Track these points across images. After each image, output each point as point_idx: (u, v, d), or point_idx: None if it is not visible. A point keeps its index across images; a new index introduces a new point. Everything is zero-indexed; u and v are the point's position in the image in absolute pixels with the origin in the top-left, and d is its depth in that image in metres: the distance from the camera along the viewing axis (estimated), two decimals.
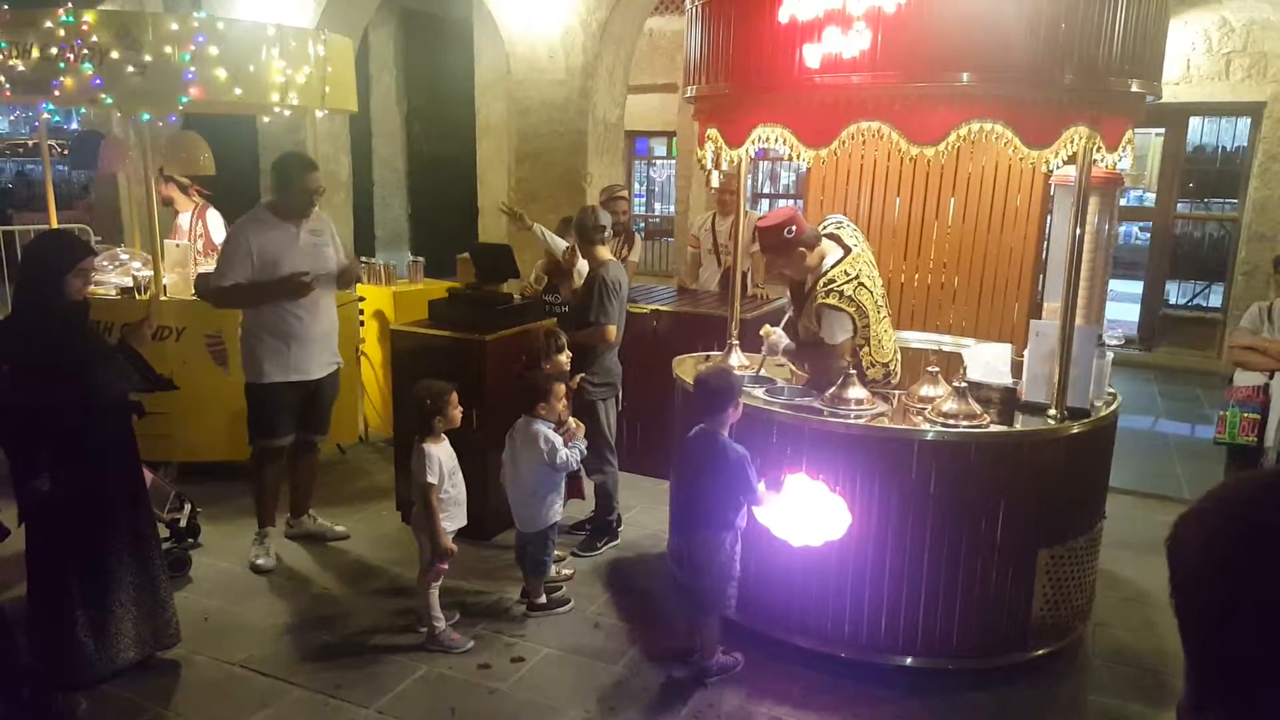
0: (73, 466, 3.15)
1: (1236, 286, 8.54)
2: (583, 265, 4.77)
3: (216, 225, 6.03)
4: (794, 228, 3.55)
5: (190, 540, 4.35)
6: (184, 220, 6.06)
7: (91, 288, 3.90)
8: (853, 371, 3.52)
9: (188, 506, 4.39)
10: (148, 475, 3.96)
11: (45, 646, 3.19)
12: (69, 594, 3.16)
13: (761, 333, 3.90)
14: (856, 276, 3.55)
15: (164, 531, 4.13)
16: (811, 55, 3.15)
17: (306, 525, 4.55)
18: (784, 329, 3.88)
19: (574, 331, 4.37)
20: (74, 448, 3.15)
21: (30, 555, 3.22)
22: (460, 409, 3.69)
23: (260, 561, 4.29)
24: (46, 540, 3.18)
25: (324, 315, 4.31)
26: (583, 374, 4.32)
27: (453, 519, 3.65)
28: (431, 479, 3.52)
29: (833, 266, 3.58)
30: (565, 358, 4.04)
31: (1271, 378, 4.28)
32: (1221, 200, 9.93)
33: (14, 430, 3.18)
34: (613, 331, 4.44)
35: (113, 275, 5.58)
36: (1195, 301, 10.03)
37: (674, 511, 3.46)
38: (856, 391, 3.42)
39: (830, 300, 3.51)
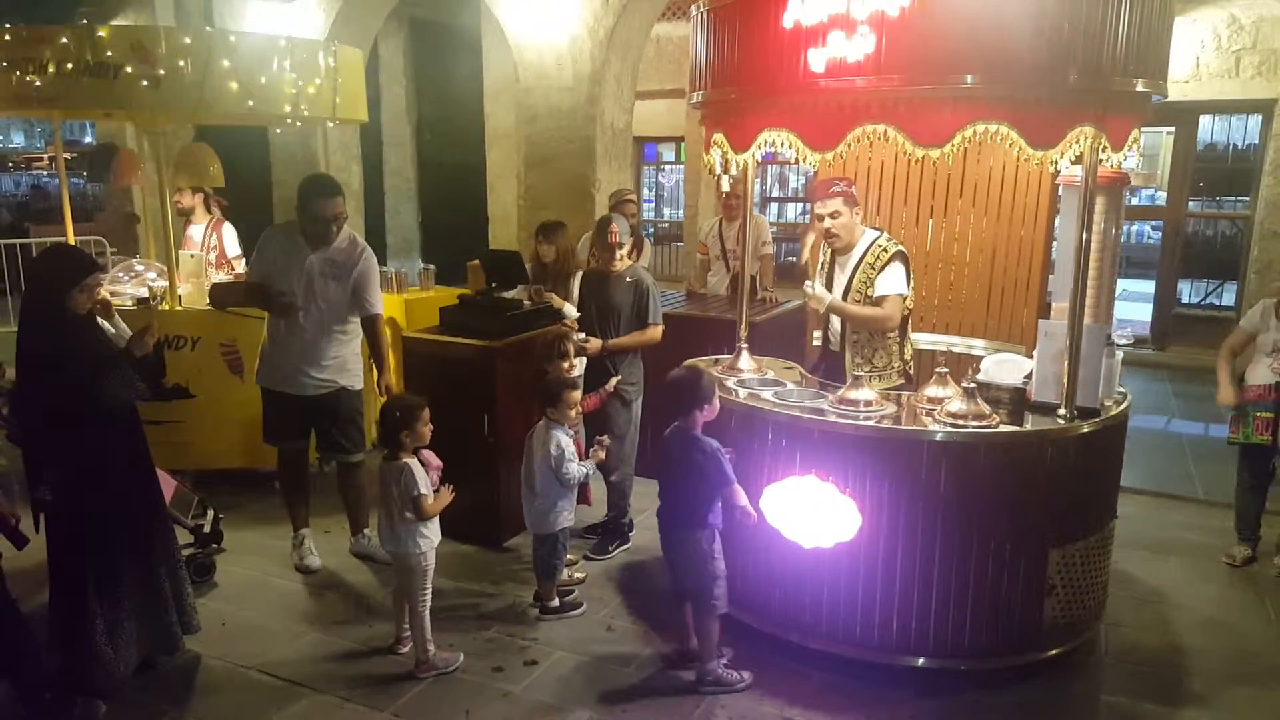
0: (82, 475, 3.18)
1: (1249, 284, 8.47)
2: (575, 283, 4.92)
3: (231, 239, 6.14)
4: (854, 188, 4.03)
5: (215, 545, 4.39)
6: (196, 232, 6.13)
7: (109, 297, 3.94)
8: (860, 374, 3.54)
9: (211, 512, 4.43)
10: (172, 482, 4.00)
11: (67, 653, 3.22)
12: (87, 602, 3.19)
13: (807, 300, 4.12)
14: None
15: (189, 537, 4.19)
16: (816, 60, 3.17)
17: (361, 544, 4.50)
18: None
19: (622, 335, 4.44)
20: (82, 457, 3.19)
21: (51, 564, 3.26)
22: (430, 426, 3.49)
23: (307, 561, 4.34)
24: (62, 548, 3.23)
25: (311, 342, 4.20)
26: (618, 377, 4.38)
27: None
28: (425, 489, 3.43)
29: (880, 236, 4.04)
30: (568, 364, 4.06)
31: None
32: (1233, 198, 9.92)
33: (29, 440, 3.23)
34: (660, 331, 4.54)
35: (128, 286, 5.65)
36: (1208, 300, 9.99)
37: (659, 510, 3.46)
38: (864, 393, 3.44)
39: (899, 250, 3.95)
